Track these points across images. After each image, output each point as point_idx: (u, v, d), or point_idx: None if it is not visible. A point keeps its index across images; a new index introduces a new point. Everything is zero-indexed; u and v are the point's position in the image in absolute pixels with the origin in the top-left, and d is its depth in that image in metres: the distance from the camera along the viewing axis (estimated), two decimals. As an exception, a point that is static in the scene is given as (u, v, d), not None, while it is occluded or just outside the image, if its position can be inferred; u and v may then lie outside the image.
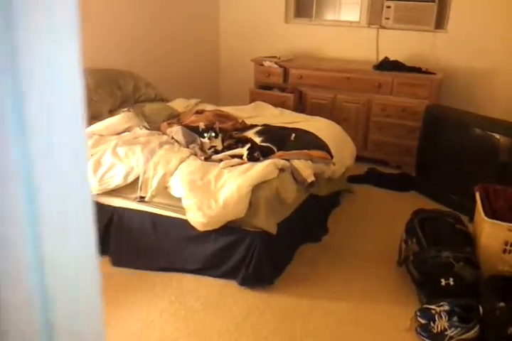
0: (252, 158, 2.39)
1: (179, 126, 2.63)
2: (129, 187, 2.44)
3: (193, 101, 3.49)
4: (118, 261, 2.52)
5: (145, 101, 3.51)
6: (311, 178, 2.37)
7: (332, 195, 3.08)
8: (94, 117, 3.07)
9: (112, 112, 3.19)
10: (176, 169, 2.31)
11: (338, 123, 3.84)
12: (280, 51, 4.34)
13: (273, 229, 2.21)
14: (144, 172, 2.34)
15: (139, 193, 2.34)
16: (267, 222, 2.19)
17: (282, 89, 4.17)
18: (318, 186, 2.58)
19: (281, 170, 2.32)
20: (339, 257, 2.63)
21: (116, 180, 2.44)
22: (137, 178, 2.39)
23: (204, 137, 2.52)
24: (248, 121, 3.09)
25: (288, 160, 2.38)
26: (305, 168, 2.38)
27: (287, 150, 2.47)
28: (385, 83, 3.81)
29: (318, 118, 3.26)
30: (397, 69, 3.80)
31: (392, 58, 3.95)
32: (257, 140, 2.48)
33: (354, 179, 3.59)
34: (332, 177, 2.84)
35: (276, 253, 2.33)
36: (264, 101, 4.09)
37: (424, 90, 3.69)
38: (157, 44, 4.10)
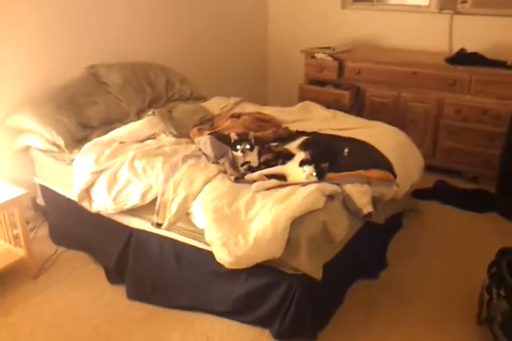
0: (320, 172, 1.91)
1: (208, 136, 2.20)
2: (148, 207, 2.06)
3: (232, 101, 3.05)
4: (134, 294, 2.15)
5: (178, 99, 3.10)
6: (367, 209, 1.87)
7: (393, 217, 2.55)
8: (119, 120, 2.72)
9: (140, 113, 2.82)
10: (199, 191, 1.89)
11: (403, 125, 3.30)
12: (335, 41, 3.77)
13: (317, 274, 1.74)
14: (163, 194, 1.94)
15: (155, 219, 1.94)
16: (310, 265, 1.72)
17: (337, 86, 3.65)
18: (376, 213, 2.07)
19: (330, 197, 1.84)
20: (400, 301, 2.12)
21: (133, 200, 2.06)
22: (156, 198, 1.99)
23: (236, 150, 2.08)
24: (294, 126, 2.60)
25: (339, 184, 1.89)
26: (361, 195, 1.88)
27: (339, 171, 1.97)
28: (460, 80, 3.18)
29: (378, 123, 2.72)
30: (476, 64, 3.16)
31: (469, 50, 3.31)
32: (300, 155, 2.01)
33: (420, 193, 3.02)
34: (394, 198, 2.32)
35: (320, 301, 1.87)
36: (315, 98, 3.59)
37: (510, 89, 3.04)
38: (195, 33, 3.67)
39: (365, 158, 2.13)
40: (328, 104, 3.40)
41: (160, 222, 1.91)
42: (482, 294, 1.94)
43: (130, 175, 2.07)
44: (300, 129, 2.55)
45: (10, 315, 2.06)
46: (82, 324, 2.01)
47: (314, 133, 2.47)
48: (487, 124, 3.16)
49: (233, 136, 2.09)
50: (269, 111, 2.84)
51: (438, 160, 3.42)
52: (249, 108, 2.97)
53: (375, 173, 2.03)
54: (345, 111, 3.28)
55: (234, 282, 1.89)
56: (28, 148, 2.60)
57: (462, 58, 3.23)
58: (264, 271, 1.81)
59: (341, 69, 3.61)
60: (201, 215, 1.80)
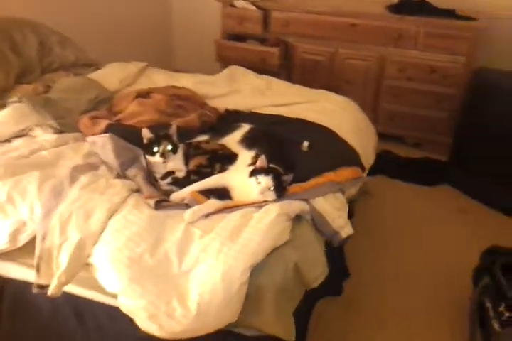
0: (280, 190, 1.33)
1: (107, 135, 1.50)
2: (25, 249, 1.36)
3: (134, 68, 2.30)
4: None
5: (60, 69, 2.29)
6: (346, 231, 1.37)
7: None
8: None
9: (4, 94, 1.98)
10: (102, 230, 1.24)
11: (338, 87, 2.84)
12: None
13: (289, 334, 1.23)
14: (44, 238, 1.25)
15: (35, 278, 1.25)
16: (279, 323, 1.20)
17: (261, 41, 3.02)
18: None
19: (295, 218, 1.29)
20: (369, 325, 1.72)
21: (-2, 242, 1.35)
22: (35, 238, 1.31)
23: (153, 153, 1.42)
24: (221, 103, 1.98)
25: (306, 199, 1.34)
26: (336, 213, 1.36)
27: (300, 176, 1.41)
28: (406, 32, 2.72)
29: (324, 93, 2.17)
30: (425, 13, 2.70)
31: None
32: (245, 156, 1.42)
33: (364, 169, 2.60)
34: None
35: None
36: (236, 57, 2.98)
37: (462, 44, 2.63)
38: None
39: (329, 151, 1.58)
40: (253, 65, 2.81)
41: (43, 282, 1.23)
42: (472, 314, 1.60)
43: (-12, 204, 1.34)
44: (230, 108, 1.94)
45: None
46: None
47: (252, 113, 1.87)
48: (435, 85, 2.77)
49: (146, 134, 1.42)
50: (186, 82, 2.16)
51: (380, 126, 3.00)
52: (159, 77, 2.27)
53: (345, 173, 1.51)
54: (274, 72, 2.75)
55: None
56: None
57: (408, 6, 2.75)
58: (211, 336, 1.25)
59: (266, 20, 2.96)
60: (110, 272, 1.17)
